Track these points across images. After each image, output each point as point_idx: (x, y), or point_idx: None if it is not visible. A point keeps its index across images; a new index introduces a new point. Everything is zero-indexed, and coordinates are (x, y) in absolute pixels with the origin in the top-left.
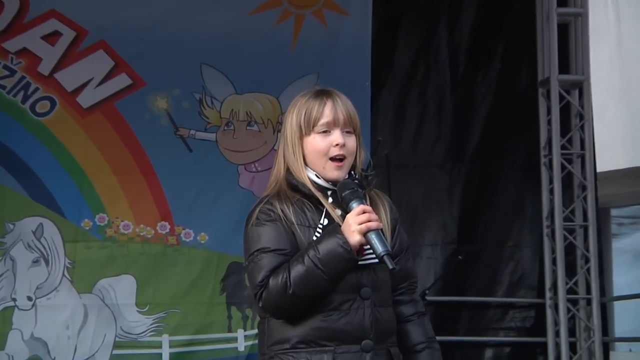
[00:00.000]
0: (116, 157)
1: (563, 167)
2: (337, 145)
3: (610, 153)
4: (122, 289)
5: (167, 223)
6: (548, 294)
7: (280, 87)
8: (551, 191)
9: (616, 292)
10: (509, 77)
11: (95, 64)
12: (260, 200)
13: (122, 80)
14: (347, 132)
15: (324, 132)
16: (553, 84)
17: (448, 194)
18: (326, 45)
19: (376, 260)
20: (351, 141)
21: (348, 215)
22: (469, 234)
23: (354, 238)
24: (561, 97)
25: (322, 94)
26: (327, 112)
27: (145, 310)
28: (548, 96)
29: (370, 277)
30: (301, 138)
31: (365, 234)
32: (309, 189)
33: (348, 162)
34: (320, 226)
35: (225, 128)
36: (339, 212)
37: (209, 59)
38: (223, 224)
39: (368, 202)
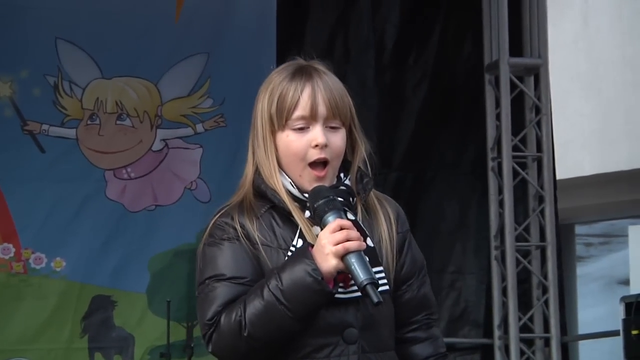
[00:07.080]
0: None
1: (515, 173)
2: (316, 146)
3: (574, 156)
4: None
5: (10, 245)
6: (497, 333)
7: (159, 70)
8: (500, 203)
9: (582, 330)
10: (449, 59)
11: None
12: (219, 211)
13: None
14: (332, 127)
15: (301, 128)
16: (503, 69)
17: None
18: (219, 18)
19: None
20: (337, 139)
21: (321, 234)
22: None
23: (328, 263)
24: (513, 86)
25: (300, 73)
26: (304, 101)
27: None
28: (497, 84)
29: (359, 314)
30: (273, 132)
31: (343, 257)
32: (281, 199)
33: (333, 167)
34: (293, 248)
35: (89, 122)
36: (317, 230)
37: (66, 33)
38: (85, 246)
39: (360, 213)
